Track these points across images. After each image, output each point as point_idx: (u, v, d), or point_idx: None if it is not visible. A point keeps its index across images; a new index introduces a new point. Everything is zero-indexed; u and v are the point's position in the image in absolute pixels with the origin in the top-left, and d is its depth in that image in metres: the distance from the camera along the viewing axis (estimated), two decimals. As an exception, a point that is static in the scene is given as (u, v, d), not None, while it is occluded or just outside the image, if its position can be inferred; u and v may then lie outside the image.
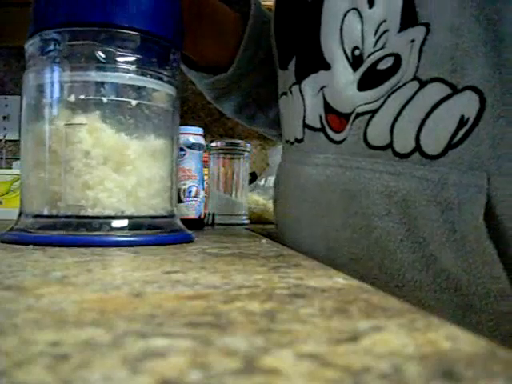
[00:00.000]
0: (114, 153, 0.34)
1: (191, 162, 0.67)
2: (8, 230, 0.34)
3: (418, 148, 0.31)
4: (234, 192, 0.89)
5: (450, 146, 0.30)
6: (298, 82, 0.42)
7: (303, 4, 0.41)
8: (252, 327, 0.12)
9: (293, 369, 0.09)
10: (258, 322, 0.13)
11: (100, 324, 0.12)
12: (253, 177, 1.26)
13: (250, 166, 1.02)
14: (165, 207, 0.37)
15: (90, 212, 0.33)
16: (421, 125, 0.31)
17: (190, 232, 0.38)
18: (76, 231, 0.32)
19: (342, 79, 0.36)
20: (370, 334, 0.12)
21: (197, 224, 0.66)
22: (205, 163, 0.74)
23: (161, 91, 0.37)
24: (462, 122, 0.30)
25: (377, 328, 0.12)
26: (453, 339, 0.11)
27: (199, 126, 0.70)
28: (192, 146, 0.67)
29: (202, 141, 0.69)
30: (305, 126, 0.41)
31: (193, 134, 0.68)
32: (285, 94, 0.45)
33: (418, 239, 0.32)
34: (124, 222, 0.34)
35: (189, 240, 0.37)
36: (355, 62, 0.35)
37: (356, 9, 0.35)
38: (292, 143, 0.44)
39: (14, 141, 1.45)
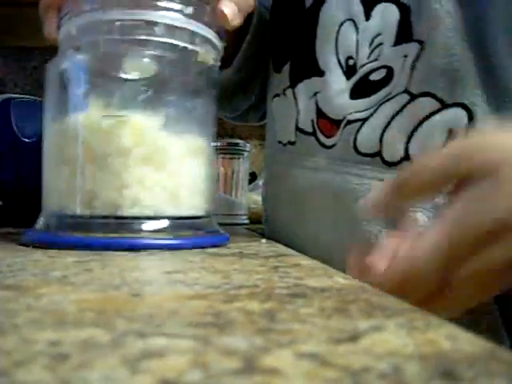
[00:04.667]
0: (156, 151, 0.31)
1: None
2: (31, 230, 0.32)
3: (406, 157, 0.33)
4: (233, 192, 0.89)
5: None
6: (292, 86, 0.43)
7: (300, 10, 0.42)
8: (252, 327, 0.12)
9: (292, 369, 0.09)
10: (257, 322, 0.13)
11: (100, 324, 0.12)
12: (253, 177, 1.26)
13: (250, 166, 1.02)
14: (204, 207, 0.35)
15: (128, 212, 0.30)
16: (410, 135, 0.33)
17: (225, 233, 0.36)
18: (114, 233, 0.29)
19: (335, 87, 0.37)
20: (370, 334, 0.12)
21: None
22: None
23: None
24: (451, 134, 0.31)
25: (376, 328, 0.12)
26: (453, 339, 0.11)
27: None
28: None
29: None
30: (297, 129, 0.42)
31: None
32: (278, 95, 0.46)
33: None
34: (164, 223, 0.31)
35: (225, 242, 0.35)
36: (348, 71, 0.37)
37: (352, 20, 0.36)
38: (285, 145, 0.45)
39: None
